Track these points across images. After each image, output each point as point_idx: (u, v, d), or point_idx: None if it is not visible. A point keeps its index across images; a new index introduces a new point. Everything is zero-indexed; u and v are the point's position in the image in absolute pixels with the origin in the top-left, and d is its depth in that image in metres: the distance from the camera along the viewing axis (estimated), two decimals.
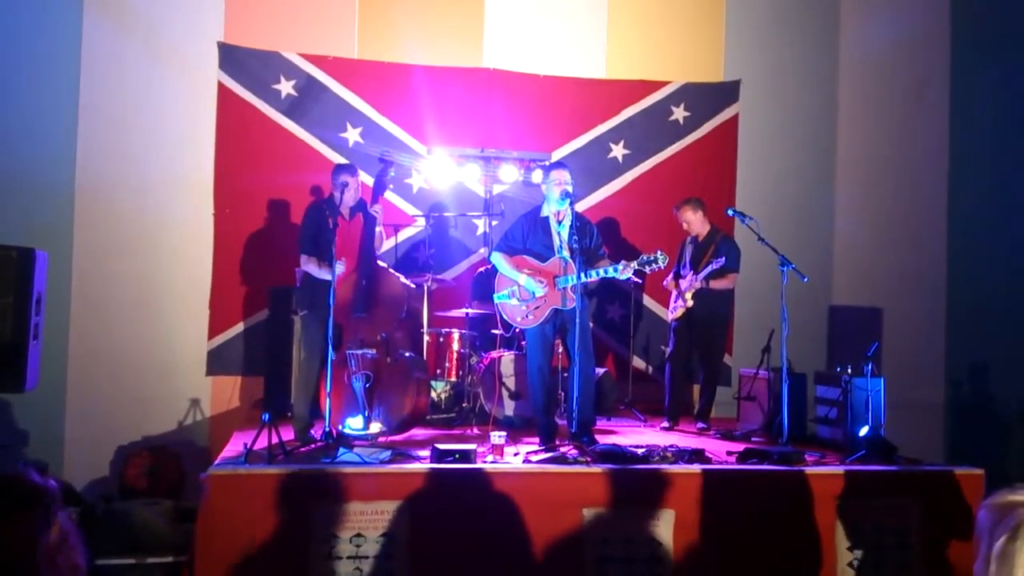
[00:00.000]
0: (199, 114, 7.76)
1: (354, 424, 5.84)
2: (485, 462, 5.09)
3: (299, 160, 7.88)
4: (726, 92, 8.75)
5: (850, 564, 5.08)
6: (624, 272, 5.77)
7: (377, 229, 6.24)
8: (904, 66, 9.01)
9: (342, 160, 7.79)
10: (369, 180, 6.45)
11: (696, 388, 7.47)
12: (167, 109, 7.73)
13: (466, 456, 5.01)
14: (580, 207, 7.30)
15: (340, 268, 5.82)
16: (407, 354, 6.19)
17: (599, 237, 6.17)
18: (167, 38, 7.73)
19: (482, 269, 7.64)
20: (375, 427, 5.83)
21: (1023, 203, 8.27)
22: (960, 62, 8.87)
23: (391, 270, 6.29)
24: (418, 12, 8.19)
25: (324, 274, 5.79)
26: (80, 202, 7.48)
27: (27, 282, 4.90)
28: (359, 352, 5.88)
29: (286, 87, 7.95)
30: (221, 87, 7.81)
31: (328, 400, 5.46)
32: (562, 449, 5.43)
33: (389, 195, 7.98)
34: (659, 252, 5.73)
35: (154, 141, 7.68)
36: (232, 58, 7.83)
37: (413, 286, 6.48)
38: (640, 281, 7.86)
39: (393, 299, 6.12)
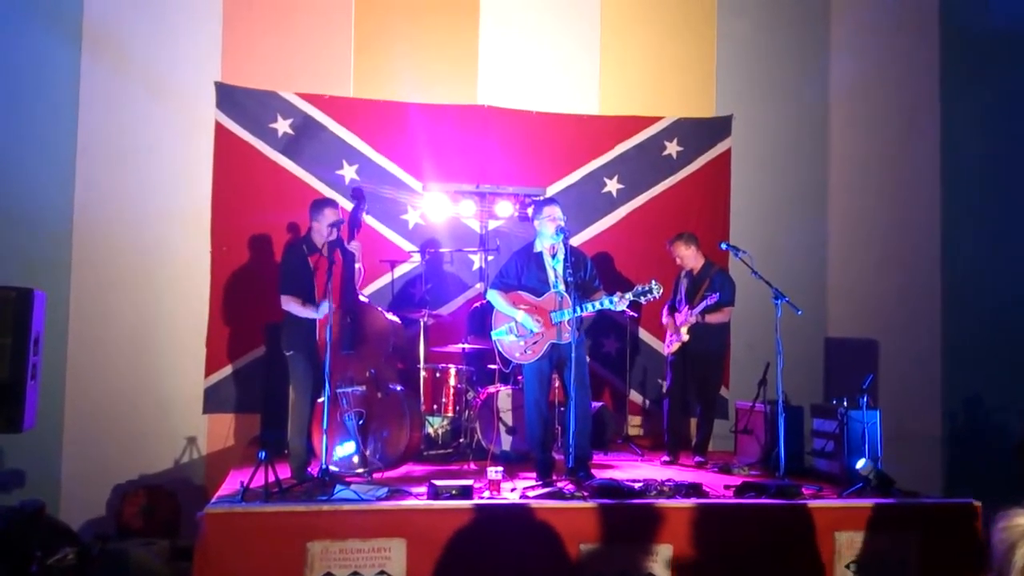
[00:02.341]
0: (196, 153, 7.82)
1: (342, 452, 5.83)
2: (482, 498, 5.09)
3: (296, 198, 7.88)
4: (718, 127, 8.83)
5: None
6: (620, 304, 5.82)
7: (356, 266, 6.23)
8: (894, 99, 9.10)
9: (339, 197, 7.83)
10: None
11: (693, 422, 7.47)
12: (165, 148, 7.79)
13: (463, 492, 5.01)
14: (574, 242, 7.32)
15: (326, 308, 5.78)
16: (397, 388, 6.20)
17: (594, 269, 6.20)
18: (165, 78, 7.81)
19: (478, 304, 7.66)
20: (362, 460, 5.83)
21: (1016, 232, 8.31)
22: (949, 90, 8.96)
23: (374, 306, 6.29)
24: (413, 51, 8.28)
25: (309, 312, 5.80)
26: (77, 240, 7.51)
27: (25, 322, 4.92)
28: (349, 390, 5.89)
29: (283, 126, 8.02)
30: (218, 126, 7.88)
31: (324, 438, 5.46)
32: (559, 484, 5.43)
33: (385, 231, 8.09)
34: (653, 281, 5.79)
35: (151, 180, 7.73)
36: (229, 98, 7.90)
37: (397, 320, 6.49)
38: (636, 315, 7.88)
39: (379, 334, 6.13)
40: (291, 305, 5.95)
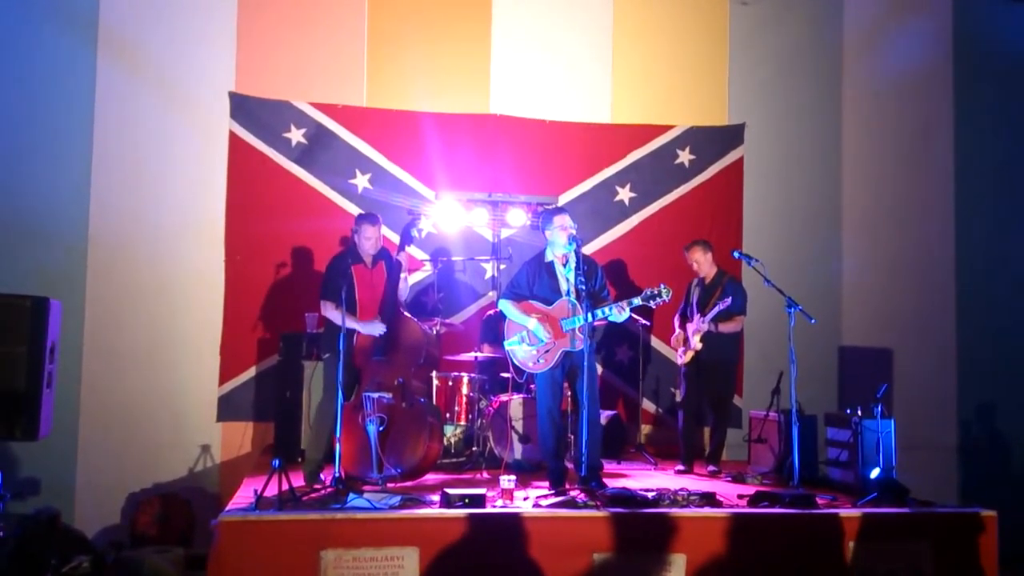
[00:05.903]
0: (211, 162, 7.87)
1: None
2: (495, 506, 5.09)
3: (309, 207, 7.96)
4: (731, 135, 8.83)
5: None
6: (621, 312, 5.81)
7: (402, 275, 6.30)
8: (908, 108, 9.09)
9: (352, 206, 7.90)
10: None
11: (706, 431, 7.46)
12: (179, 158, 7.84)
13: (476, 500, 5.01)
14: (587, 250, 7.33)
15: (379, 328, 5.95)
16: (422, 400, 6.21)
17: (603, 278, 6.20)
18: (179, 88, 7.87)
19: (491, 313, 7.66)
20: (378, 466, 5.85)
21: None
22: (964, 103, 8.94)
23: (412, 317, 6.31)
24: (426, 61, 8.31)
25: (338, 316, 5.84)
26: (93, 250, 7.56)
27: (41, 331, 4.94)
28: (375, 395, 5.91)
29: (296, 135, 8.06)
30: (232, 136, 7.92)
31: (339, 444, 5.48)
32: (571, 493, 5.42)
33: (397, 239, 8.08)
34: (662, 285, 5.78)
35: (166, 189, 7.77)
36: (243, 107, 7.95)
37: (434, 333, 6.51)
38: (648, 324, 7.87)
39: (412, 345, 6.14)
40: (328, 310, 6.03)
